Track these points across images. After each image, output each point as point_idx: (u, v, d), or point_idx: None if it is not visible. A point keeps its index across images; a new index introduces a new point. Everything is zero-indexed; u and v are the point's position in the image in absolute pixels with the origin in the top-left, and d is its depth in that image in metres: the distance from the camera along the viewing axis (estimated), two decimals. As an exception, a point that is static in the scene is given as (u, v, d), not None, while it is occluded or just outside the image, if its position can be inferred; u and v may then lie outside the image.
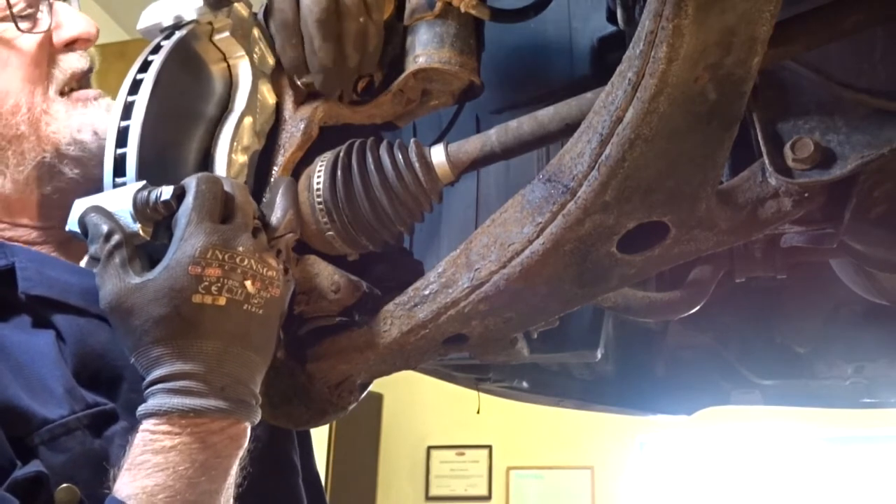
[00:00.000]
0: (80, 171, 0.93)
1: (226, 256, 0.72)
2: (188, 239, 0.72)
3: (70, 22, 0.97)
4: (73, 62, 0.97)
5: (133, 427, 0.79)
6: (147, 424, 0.72)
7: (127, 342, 0.74)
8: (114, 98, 0.84)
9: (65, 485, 0.74)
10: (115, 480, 0.71)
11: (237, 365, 0.73)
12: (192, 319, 0.71)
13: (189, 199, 0.73)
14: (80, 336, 0.84)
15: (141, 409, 0.72)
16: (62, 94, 0.95)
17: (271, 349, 0.78)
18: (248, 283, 0.73)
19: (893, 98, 0.67)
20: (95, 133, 0.93)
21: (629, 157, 0.65)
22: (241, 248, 0.73)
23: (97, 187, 0.90)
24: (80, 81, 0.98)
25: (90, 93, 0.98)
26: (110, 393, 0.84)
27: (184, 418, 0.71)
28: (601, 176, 0.67)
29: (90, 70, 1.00)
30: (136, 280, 0.72)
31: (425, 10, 0.87)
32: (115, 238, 0.74)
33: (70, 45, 0.97)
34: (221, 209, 0.75)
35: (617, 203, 0.69)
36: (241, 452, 0.76)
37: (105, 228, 0.74)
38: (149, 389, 0.72)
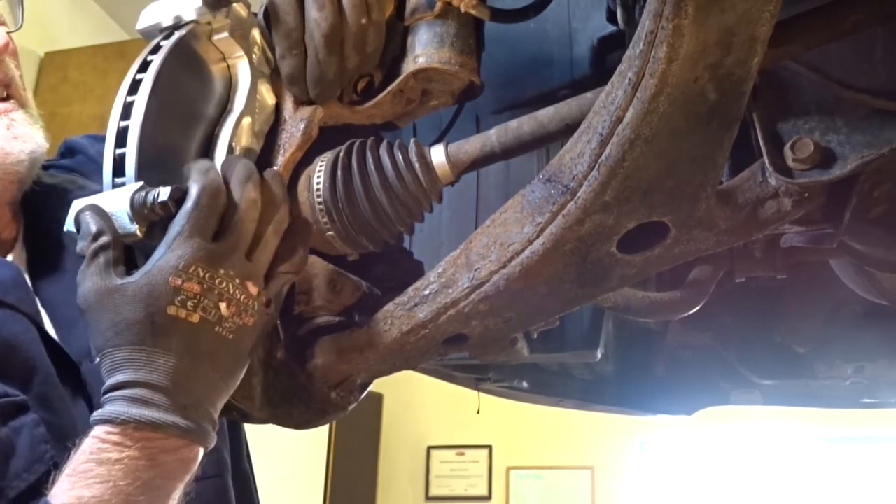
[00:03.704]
0: None
1: (207, 275, 0.71)
2: (175, 249, 0.71)
3: None
4: None
5: (43, 420, 0.78)
6: (98, 431, 0.70)
7: (95, 341, 0.72)
8: (113, 99, 0.83)
9: None
10: (53, 484, 0.70)
11: (202, 386, 0.72)
12: (164, 330, 0.70)
13: (188, 207, 0.72)
14: None
15: (95, 414, 0.70)
16: None
17: (237, 377, 0.76)
18: (222, 306, 0.72)
19: (893, 98, 0.67)
20: None
21: (629, 157, 0.65)
22: (222, 271, 0.72)
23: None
24: None
25: None
26: (22, 385, 0.82)
27: (139, 430, 0.69)
28: (601, 176, 0.67)
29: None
30: (117, 281, 0.71)
31: (425, 10, 0.86)
32: (103, 239, 0.73)
33: None
34: (217, 223, 0.73)
35: (617, 203, 0.69)
36: (189, 478, 0.74)
37: (94, 228, 0.73)
38: (108, 395, 0.70)
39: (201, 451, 0.74)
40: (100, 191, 0.77)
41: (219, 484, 1.03)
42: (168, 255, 0.71)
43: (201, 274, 0.71)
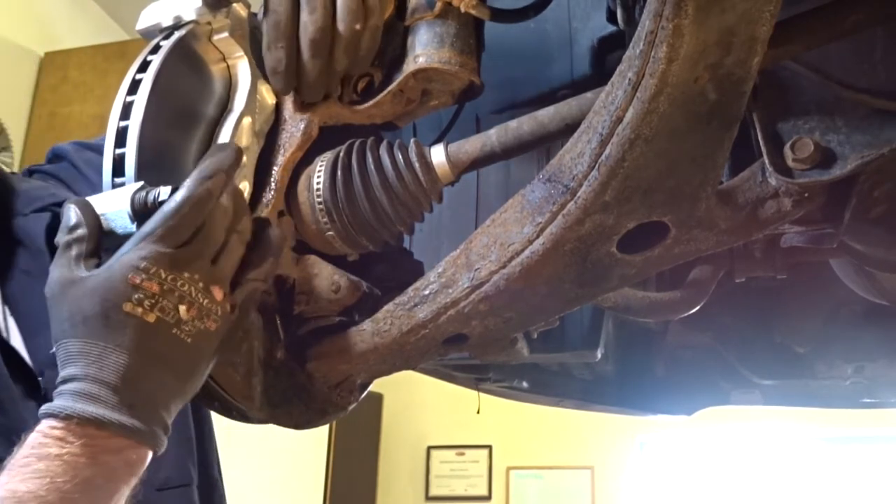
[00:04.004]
0: None
1: (168, 277, 0.70)
2: (140, 248, 0.70)
3: None
4: None
5: None
6: (43, 425, 0.68)
7: (54, 331, 0.71)
8: (113, 99, 0.83)
9: None
10: None
11: (154, 387, 0.70)
12: (118, 326, 0.69)
13: (167, 211, 0.71)
14: None
15: (43, 408, 0.69)
16: None
17: (196, 382, 0.75)
18: (182, 308, 0.70)
19: (893, 98, 0.67)
20: None
21: (629, 157, 0.65)
22: (186, 274, 0.71)
23: None
24: None
25: None
26: None
27: (82, 427, 0.67)
28: (601, 176, 0.67)
29: None
30: (82, 273, 0.70)
31: (425, 10, 0.86)
32: (79, 231, 0.72)
33: None
34: (191, 232, 0.72)
35: (617, 203, 0.69)
36: (135, 480, 0.72)
37: (73, 220, 0.73)
38: (58, 388, 0.69)
39: (149, 454, 0.72)
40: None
41: (183, 494, 1.03)
42: (131, 253, 0.70)
43: (163, 275, 0.70)
